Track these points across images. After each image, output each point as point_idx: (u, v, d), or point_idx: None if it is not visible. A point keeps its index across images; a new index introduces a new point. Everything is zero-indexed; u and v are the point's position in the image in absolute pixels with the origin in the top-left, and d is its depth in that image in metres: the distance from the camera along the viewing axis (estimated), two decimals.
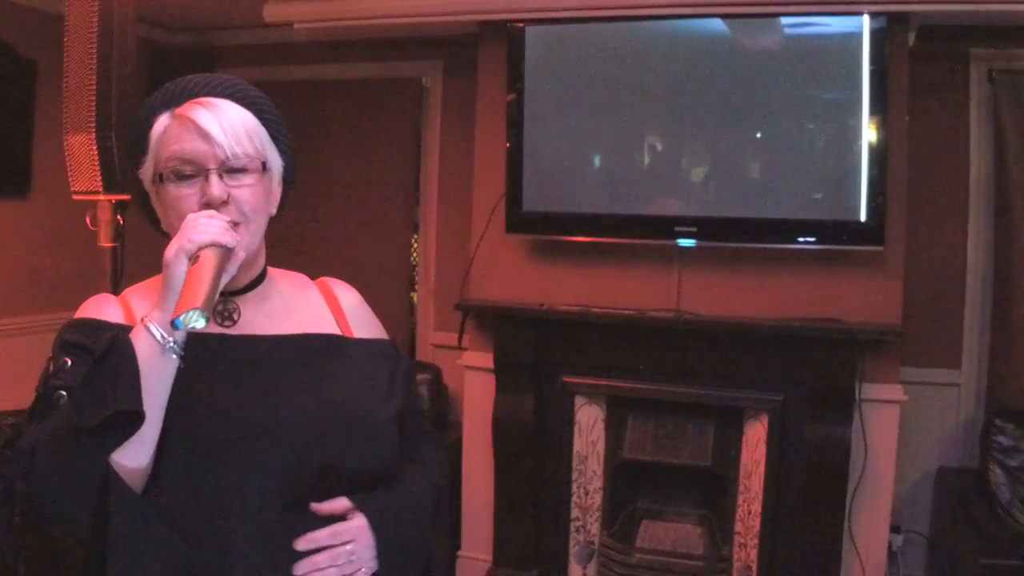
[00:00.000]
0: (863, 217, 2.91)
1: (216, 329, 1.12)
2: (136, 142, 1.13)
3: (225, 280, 1.03)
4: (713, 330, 3.10)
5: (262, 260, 1.19)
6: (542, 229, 3.29)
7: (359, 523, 1.09)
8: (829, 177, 2.98)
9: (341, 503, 1.09)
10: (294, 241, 3.71)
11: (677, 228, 3.09)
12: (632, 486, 3.34)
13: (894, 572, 3.30)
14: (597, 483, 3.33)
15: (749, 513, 3.14)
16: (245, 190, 1.10)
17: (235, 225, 1.08)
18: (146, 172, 1.13)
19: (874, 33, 2.86)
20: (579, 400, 3.32)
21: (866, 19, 2.87)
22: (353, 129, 4.05)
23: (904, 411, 3.05)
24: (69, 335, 1.10)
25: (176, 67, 4.21)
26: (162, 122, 1.11)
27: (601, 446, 3.32)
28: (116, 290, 2.21)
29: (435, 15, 3.37)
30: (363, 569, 1.09)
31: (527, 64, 3.22)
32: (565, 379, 3.30)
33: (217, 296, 0.99)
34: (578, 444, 3.33)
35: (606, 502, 3.31)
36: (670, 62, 3.08)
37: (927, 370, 3.34)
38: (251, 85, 1.17)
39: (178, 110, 1.10)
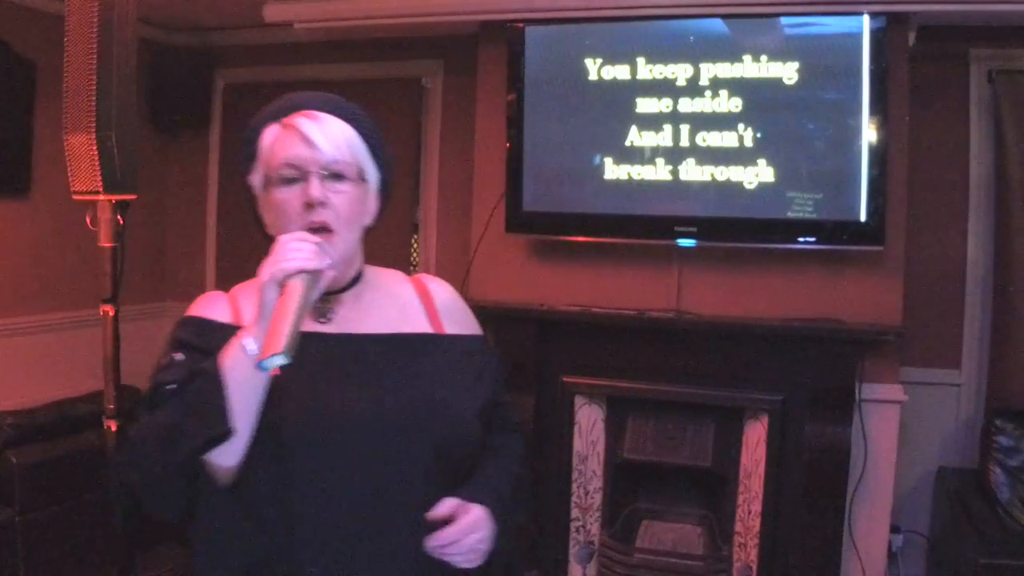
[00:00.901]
0: (863, 217, 2.91)
1: (313, 327, 1.20)
2: (247, 152, 1.25)
3: (316, 295, 1.11)
4: (713, 330, 3.10)
5: (359, 262, 1.27)
6: (542, 229, 3.29)
7: (478, 512, 1.15)
8: (829, 177, 2.98)
9: (449, 505, 1.14)
10: None
11: (677, 228, 3.10)
12: (632, 486, 3.34)
13: (894, 572, 3.31)
14: (597, 483, 3.33)
15: (749, 513, 3.14)
16: (342, 196, 1.19)
17: (327, 232, 1.15)
18: (256, 178, 1.24)
19: (874, 33, 2.86)
20: (579, 400, 3.32)
21: (866, 19, 2.87)
22: None
23: (904, 411, 3.06)
24: (182, 332, 1.21)
25: (176, 67, 4.21)
26: (271, 132, 1.22)
27: (601, 446, 3.32)
28: (116, 291, 2.24)
29: (435, 15, 3.37)
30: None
31: (527, 64, 3.22)
32: (565, 379, 3.31)
33: (300, 330, 1.04)
34: (578, 444, 3.33)
35: (606, 502, 3.32)
36: (670, 62, 3.08)
37: (927, 370, 3.34)
38: (352, 103, 1.28)
39: (285, 120, 1.21)
